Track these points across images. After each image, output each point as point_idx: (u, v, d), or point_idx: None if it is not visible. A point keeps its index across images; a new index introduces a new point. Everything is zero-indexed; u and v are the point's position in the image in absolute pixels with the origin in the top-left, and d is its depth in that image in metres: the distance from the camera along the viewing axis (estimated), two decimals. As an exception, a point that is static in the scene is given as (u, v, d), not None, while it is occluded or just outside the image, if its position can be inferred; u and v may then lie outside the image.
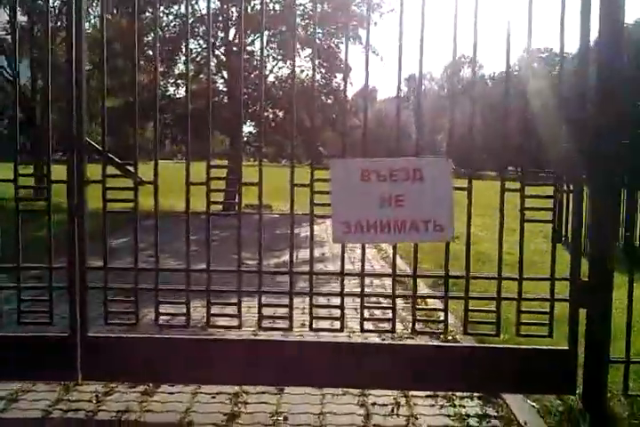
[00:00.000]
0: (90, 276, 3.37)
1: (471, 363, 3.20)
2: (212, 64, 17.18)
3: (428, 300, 4.48)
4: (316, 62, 17.61)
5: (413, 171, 3.20)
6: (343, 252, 3.30)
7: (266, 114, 18.02)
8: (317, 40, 17.43)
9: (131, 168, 3.36)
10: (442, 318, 3.29)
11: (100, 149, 3.34)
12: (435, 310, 3.65)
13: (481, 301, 3.45)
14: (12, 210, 3.37)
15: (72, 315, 3.34)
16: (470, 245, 3.28)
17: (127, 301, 3.42)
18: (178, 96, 17.90)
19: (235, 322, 3.34)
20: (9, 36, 18.74)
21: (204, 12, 17.21)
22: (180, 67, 17.88)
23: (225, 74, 17.39)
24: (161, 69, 17.93)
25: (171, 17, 17.13)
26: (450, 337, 4.03)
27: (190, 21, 16.96)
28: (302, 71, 18.23)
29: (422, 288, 6.20)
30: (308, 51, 17.79)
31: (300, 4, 16.86)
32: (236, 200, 3.40)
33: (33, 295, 3.54)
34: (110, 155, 3.35)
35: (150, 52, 16.80)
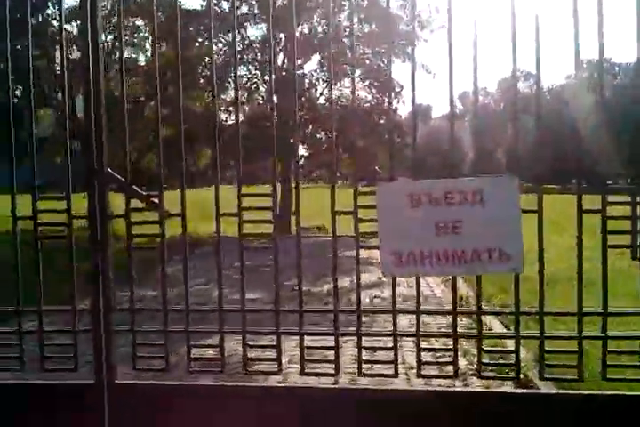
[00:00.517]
0: (119, 317, 3.08)
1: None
2: (263, 89, 17.24)
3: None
4: (367, 82, 17.56)
5: (472, 192, 2.78)
6: (394, 287, 2.89)
7: (318, 136, 17.89)
8: (367, 61, 17.22)
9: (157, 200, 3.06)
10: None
11: (123, 180, 3.05)
12: (504, 352, 3.16)
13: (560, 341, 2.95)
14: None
15: (97, 361, 3.04)
16: (544, 278, 2.82)
17: (156, 344, 3.10)
18: (229, 122, 17.97)
19: (274, 366, 2.96)
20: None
21: (253, 38, 17.31)
22: (231, 93, 17.96)
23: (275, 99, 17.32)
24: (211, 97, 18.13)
25: (220, 45, 17.28)
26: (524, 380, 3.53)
27: (239, 48, 17.09)
28: (353, 92, 18.01)
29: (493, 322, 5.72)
30: (358, 72, 17.61)
31: (348, 27, 16.71)
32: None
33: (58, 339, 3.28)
34: (135, 187, 3.07)
35: (202, 80, 16.96)
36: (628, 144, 3.94)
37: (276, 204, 2.98)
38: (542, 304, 2.81)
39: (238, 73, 17.42)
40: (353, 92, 3.16)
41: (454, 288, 2.90)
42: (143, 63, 20.66)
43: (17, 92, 5.23)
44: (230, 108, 17.72)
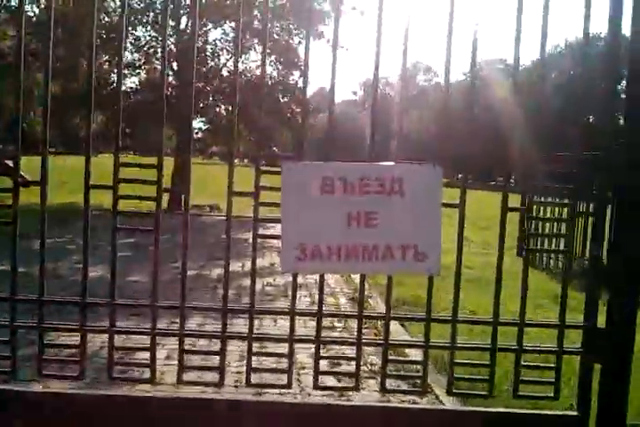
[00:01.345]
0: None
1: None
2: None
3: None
4: (273, 58, 16.99)
5: (391, 180, 2.42)
6: (295, 285, 2.49)
7: (217, 109, 17.16)
8: (275, 35, 16.66)
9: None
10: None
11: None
12: (411, 362, 2.86)
13: (470, 352, 2.67)
14: None
15: None
16: (460, 280, 2.52)
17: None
18: (124, 88, 16.81)
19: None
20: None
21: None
22: (128, 55, 16.81)
23: (175, 65, 16.36)
24: (106, 58, 16.86)
25: (118, 2, 16.05)
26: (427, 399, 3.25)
27: (140, 7, 15.98)
28: (258, 67, 17.35)
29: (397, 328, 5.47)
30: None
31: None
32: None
33: None
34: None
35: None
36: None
37: (161, 177, 2.48)
38: (456, 311, 2.51)
39: (137, 34, 16.38)
40: (264, 64, 2.56)
41: (362, 289, 2.54)
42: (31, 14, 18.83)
43: None
44: (125, 71, 16.64)
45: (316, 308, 2.49)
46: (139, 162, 2.59)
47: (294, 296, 2.48)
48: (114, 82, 16.81)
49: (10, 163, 2.48)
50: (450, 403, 3.33)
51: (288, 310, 2.49)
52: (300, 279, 4.11)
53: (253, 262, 2.49)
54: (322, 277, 2.51)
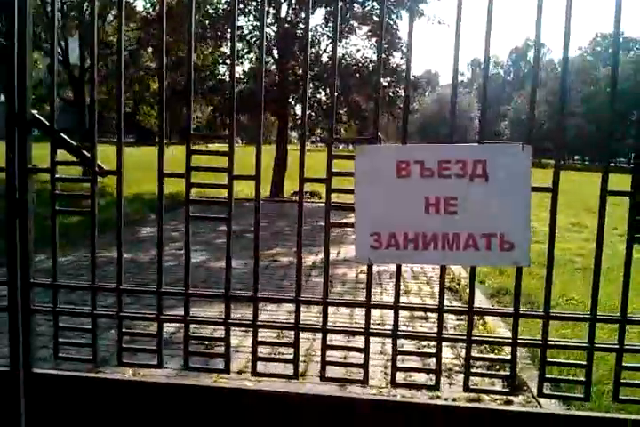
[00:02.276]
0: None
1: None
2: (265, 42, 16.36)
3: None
4: (373, 41, 16.69)
5: (473, 163, 2.22)
6: (370, 276, 2.36)
7: (319, 96, 17.13)
8: (375, 17, 16.35)
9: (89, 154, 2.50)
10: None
11: (48, 125, 2.49)
12: (499, 360, 2.65)
13: (565, 351, 2.44)
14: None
15: (13, 345, 2.53)
16: (552, 272, 2.29)
17: (82, 329, 2.58)
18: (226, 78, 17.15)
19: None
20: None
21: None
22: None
23: (275, 53, 16.46)
24: (210, 49, 17.24)
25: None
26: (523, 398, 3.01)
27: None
28: (358, 51, 17.14)
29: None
30: (365, 28, 16.74)
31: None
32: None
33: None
34: (63, 135, 2.50)
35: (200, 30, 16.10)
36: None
37: (232, 164, 2.41)
38: (548, 305, 2.28)
39: (238, 24, 16.60)
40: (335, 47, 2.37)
41: (442, 281, 2.36)
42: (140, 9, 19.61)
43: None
44: (228, 61, 16.94)
45: (393, 300, 2.34)
46: (211, 150, 2.54)
47: (369, 288, 2.35)
48: (218, 73, 17.25)
49: (87, 153, 2.49)
50: (549, 403, 3.08)
51: (364, 302, 2.36)
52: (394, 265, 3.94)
53: (327, 253, 2.38)
54: (399, 267, 2.36)
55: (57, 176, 2.50)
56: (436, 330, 2.36)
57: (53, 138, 2.49)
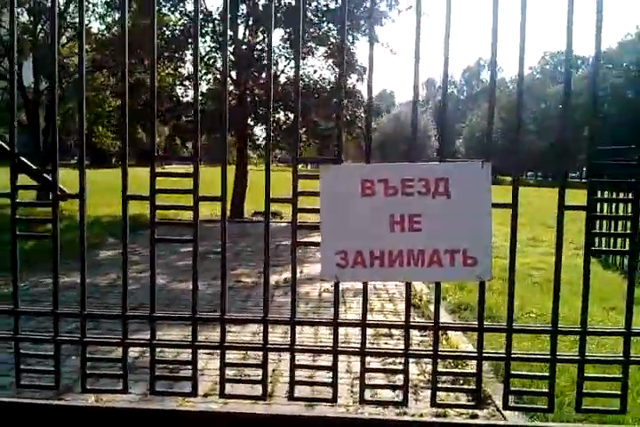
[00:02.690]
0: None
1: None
2: (220, 64, 16.42)
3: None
4: (330, 62, 16.91)
5: (435, 181, 2.28)
6: (337, 295, 2.38)
7: (278, 116, 17.22)
8: (332, 39, 16.59)
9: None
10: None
11: (7, 149, 2.45)
12: (464, 374, 2.69)
13: (527, 363, 2.49)
14: None
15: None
16: (513, 286, 2.35)
17: (46, 356, 2.53)
18: (186, 99, 17.13)
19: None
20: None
21: (210, 9, 16.44)
22: (189, 67, 17.11)
23: (234, 74, 16.54)
24: (168, 71, 17.21)
25: (177, 15, 16.37)
26: (488, 411, 3.06)
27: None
28: (315, 71, 17.36)
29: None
30: (322, 49, 16.96)
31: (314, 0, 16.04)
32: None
33: None
34: (23, 159, 2.47)
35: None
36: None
37: (197, 186, 2.41)
38: (511, 319, 2.34)
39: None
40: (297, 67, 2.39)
41: (408, 297, 2.40)
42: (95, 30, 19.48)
43: None
44: (186, 83, 16.95)
45: (357, 317, 2.37)
46: (176, 171, 2.54)
47: (336, 306, 2.37)
48: (175, 95, 17.19)
49: (48, 176, 2.47)
50: (512, 416, 3.13)
51: (331, 320, 2.38)
52: (357, 283, 4.00)
53: (294, 272, 2.40)
54: (365, 285, 2.39)
55: (17, 201, 2.47)
56: (400, 346, 2.39)
57: (13, 162, 2.46)
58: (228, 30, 14.01)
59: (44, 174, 2.48)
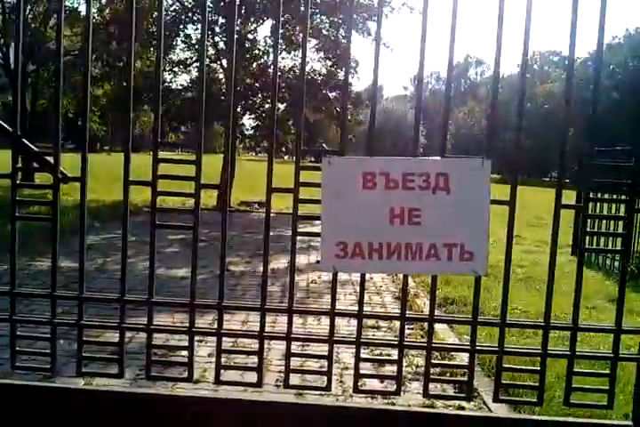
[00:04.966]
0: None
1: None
2: (212, 52, 16.31)
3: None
4: (321, 55, 16.87)
5: (436, 176, 2.31)
6: (335, 285, 2.41)
7: (266, 106, 17.16)
8: (324, 31, 16.56)
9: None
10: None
11: (9, 130, 2.44)
12: (456, 366, 2.74)
13: (520, 357, 2.54)
14: None
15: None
16: (509, 281, 2.40)
17: (42, 338, 2.53)
18: (173, 86, 17.00)
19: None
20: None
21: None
22: (179, 53, 17.01)
23: (224, 62, 16.44)
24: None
25: (169, 0, 16.21)
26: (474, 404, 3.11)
27: (190, 5, 16.10)
28: (307, 63, 17.30)
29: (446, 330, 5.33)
30: (314, 42, 16.89)
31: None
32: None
33: None
34: (26, 140, 2.46)
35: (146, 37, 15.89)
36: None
37: (199, 173, 2.42)
38: (505, 313, 2.39)
39: (187, 32, 16.50)
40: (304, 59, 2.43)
41: (405, 289, 2.44)
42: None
43: None
44: (175, 69, 16.82)
45: (358, 308, 2.40)
46: (180, 158, 2.55)
47: (334, 296, 2.40)
48: (165, 80, 17.06)
49: (50, 159, 2.46)
50: (498, 408, 3.20)
51: (328, 310, 2.41)
52: (346, 276, 4.02)
53: (292, 261, 2.43)
54: (363, 276, 2.42)
55: (18, 182, 2.46)
56: (388, 338, 2.44)
57: (14, 144, 2.45)
58: (220, 17, 13.74)
59: (46, 157, 2.47)
